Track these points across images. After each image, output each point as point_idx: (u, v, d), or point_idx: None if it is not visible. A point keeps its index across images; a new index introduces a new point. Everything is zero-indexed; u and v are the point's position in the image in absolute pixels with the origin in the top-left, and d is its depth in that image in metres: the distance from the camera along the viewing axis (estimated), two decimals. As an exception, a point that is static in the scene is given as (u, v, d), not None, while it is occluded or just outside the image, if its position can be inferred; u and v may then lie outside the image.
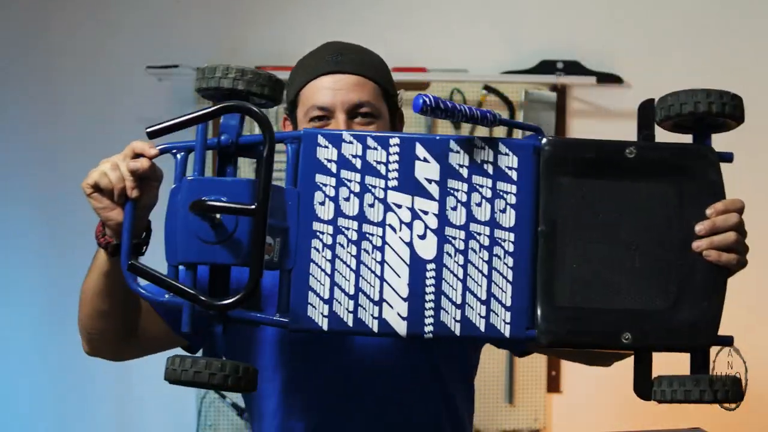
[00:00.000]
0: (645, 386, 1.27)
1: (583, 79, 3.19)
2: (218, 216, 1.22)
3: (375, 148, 1.31)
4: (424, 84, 3.09)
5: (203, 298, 1.20)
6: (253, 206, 1.18)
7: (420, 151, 1.31)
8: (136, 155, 1.34)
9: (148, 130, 1.25)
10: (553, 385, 3.23)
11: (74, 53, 3.20)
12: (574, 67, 3.20)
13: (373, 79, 1.58)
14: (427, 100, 1.27)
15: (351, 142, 1.31)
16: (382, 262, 1.27)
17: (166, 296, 1.27)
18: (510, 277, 1.27)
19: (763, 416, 2.96)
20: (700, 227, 1.29)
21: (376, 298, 1.26)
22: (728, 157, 1.39)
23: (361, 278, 1.27)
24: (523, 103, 3.20)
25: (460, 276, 1.27)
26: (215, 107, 1.26)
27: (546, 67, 3.19)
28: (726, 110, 1.36)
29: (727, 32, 3.27)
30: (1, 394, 3.16)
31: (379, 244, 1.28)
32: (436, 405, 1.61)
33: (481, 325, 1.25)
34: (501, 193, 1.30)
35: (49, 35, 3.20)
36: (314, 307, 1.26)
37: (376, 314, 1.26)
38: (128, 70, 3.16)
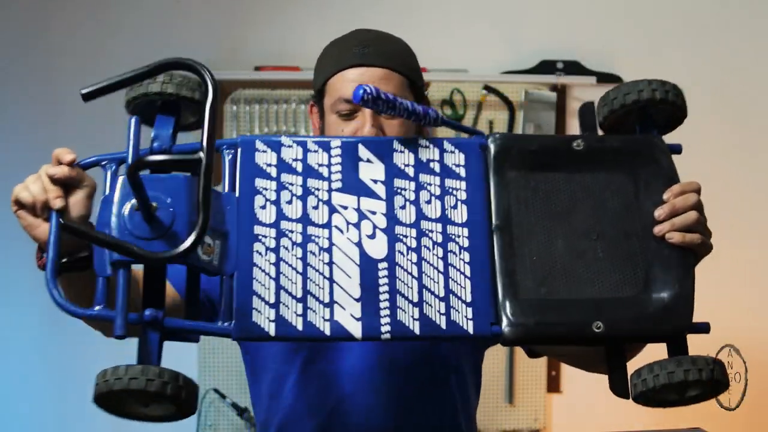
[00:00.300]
0: (622, 382, 1.22)
1: (583, 79, 3.19)
2: (154, 205, 1.14)
3: (316, 151, 1.28)
4: (425, 84, 3.09)
5: (139, 250, 1.09)
6: (198, 155, 1.10)
7: (363, 152, 1.29)
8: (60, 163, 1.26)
9: (83, 91, 1.17)
10: (553, 385, 3.23)
11: (74, 53, 3.20)
12: (574, 67, 3.20)
13: (400, 72, 1.58)
14: (367, 89, 1.27)
15: (291, 146, 1.28)
16: (330, 263, 1.22)
17: (96, 308, 1.16)
18: (468, 273, 1.23)
19: (763, 416, 2.96)
20: (659, 211, 1.27)
21: (326, 300, 1.20)
22: (677, 149, 1.37)
23: (308, 280, 1.20)
24: (523, 103, 3.20)
25: (415, 274, 1.22)
26: (153, 64, 1.21)
27: (546, 67, 3.19)
28: (669, 97, 1.32)
29: (727, 32, 3.27)
30: (1, 395, 3.16)
31: (326, 245, 1.22)
32: (454, 402, 1.62)
33: (442, 322, 1.20)
34: (450, 190, 1.27)
35: (49, 35, 3.20)
36: (259, 311, 1.18)
37: (327, 316, 1.19)
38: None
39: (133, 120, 1.25)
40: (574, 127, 3.25)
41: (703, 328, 1.25)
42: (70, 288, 1.25)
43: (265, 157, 1.27)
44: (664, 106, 1.33)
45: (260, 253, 1.21)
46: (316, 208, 1.25)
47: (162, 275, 1.21)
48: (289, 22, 3.22)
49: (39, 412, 3.14)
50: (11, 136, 3.21)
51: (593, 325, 1.19)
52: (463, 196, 1.27)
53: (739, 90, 3.29)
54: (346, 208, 1.25)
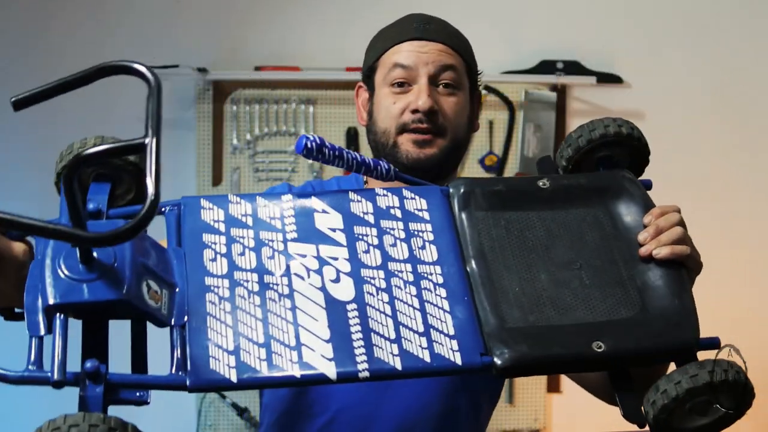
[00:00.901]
0: (633, 405, 1.12)
1: (583, 79, 3.19)
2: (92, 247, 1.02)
3: (266, 206, 1.21)
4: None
5: (74, 231, 0.96)
6: (144, 139, 0.99)
7: (317, 204, 1.22)
8: None
9: (13, 99, 1.05)
10: (553, 385, 3.23)
11: (74, 53, 3.20)
12: (574, 67, 3.20)
13: (459, 52, 1.56)
14: (308, 143, 1.23)
15: (238, 203, 1.20)
16: (294, 308, 1.11)
17: (29, 368, 1.02)
18: (446, 307, 1.13)
19: (763, 416, 2.96)
20: (644, 234, 1.22)
21: (293, 344, 1.07)
22: (647, 184, 1.32)
23: (270, 326, 1.08)
24: (523, 103, 3.20)
25: (388, 312, 1.12)
26: (89, 69, 1.07)
27: (546, 67, 3.20)
28: (635, 134, 1.33)
29: (727, 32, 3.28)
30: (1, 395, 3.16)
31: (287, 292, 1.12)
32: (464, 424, 1.57)
33: (426, 356, 1.08)
34: (415, 232, 1.20)
35: (49, 35, 3.20)
36: (217, 359, 1.05)
37: (294, 359, 1.06)
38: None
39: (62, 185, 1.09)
40: (574, 126, 3.23)
41: (713, 343, 1.16)
42: None
43: (211, 214, 1.19)
44: (629, 142, 1.32)
45: (214, 303, 1.10)
46: (271, 258, 1.15)
47: (105, 322, 1.07)
48: (289, 22, 3.22)
49: (39, 412, 3.13)
50: (11, 136, 3.21)
51: (593, 345, 1.11)
52: (430, 237, 1.20)
53: (739, 90, 3.29)
54: (304, 256, 1.16)
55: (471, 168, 3.20)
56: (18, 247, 1.15)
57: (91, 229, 1.04)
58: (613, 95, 3.24)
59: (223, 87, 3.16)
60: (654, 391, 1.10)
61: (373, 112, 1.58)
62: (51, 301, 1.01)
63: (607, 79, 3.21)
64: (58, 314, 1.01)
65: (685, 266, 1.23)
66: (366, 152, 3.29)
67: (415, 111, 1.51)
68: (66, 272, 1.02)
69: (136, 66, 1.09)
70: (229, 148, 3.18)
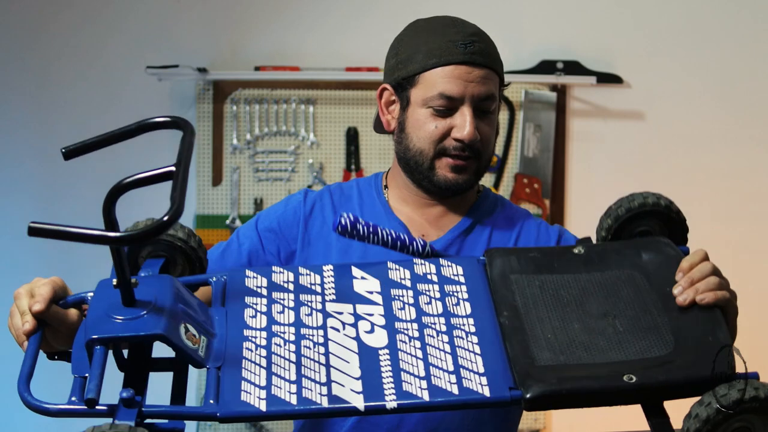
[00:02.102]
0: None
1: (583, 79, 3.19)
2: (134, 281, 1.13)
3: (308, 275, 1.28)
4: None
5: (107, 234, 1.05)
6: (172, 167, 1.10)
7: (356, 272, 1.29)
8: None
9: (64, 150, 1.18)
10: (553, 385, 3.23)
11: (74, 53, 3.20)
12: (574, 67, 3.20)
13: (496, 71, 1.56)
14: (342, 219, 1.30)
15: (281, 272, 1.28)
16: (327, 354, 1.16)
17: (72, 399, 1.09)
18: (477, 351, 1.17)
19: (763, 416, 2.96)
20: (678, 288, 1.24)
21: (323, 381, 1.12)
22: (685, 250, 1.34)
23: (303, 367, 1.14)
24: (523, 103, 3.20)
25: (419, 356, 1.16)
26: (134, 125, 1.19)
27: (546, 67, 3.19)
28: (673, 207, 1.38)
29: (727, 32, 3.27)
30: (1, 395, 3.16)
31: (321, 341, 1.17)
32: None
33: (454, 389, 1.11)
34: (450, 293, 1.25)
35: (49, 35, 3.20)
36: (249, 392, 1.11)
37: (324, 392, 1.11)
38: (128, 70, 3.16)
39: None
40: (574, 126, 3.25)
41: (753, 377, 1.12)
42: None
43: (254, 282, 1.26)
44: (668, 214, 1.37)
45: (250, 350, 1.16)
46: (309, 315, 1.21)
47: (146, 351, 1.17)
48: (289, 22, 3.22)
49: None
50: (12, 135, 3.21)
51: (624, 377, 1.10)
52: (465, 296, 1.25)
53: (739, 90, 3.29)
54: (341, 313, 1.22)
55: (471, 168, 3.20)
56: (72, 313, 1.26)
57: (142, 285, 1.14)
58: (613, 95, 3.24)
59: (223, 87, 3.16)
60: (687, 418, 1.09)
61: (407, 127, 1.57)
62: (92, 335, 1.09)
63: (607, 79, 3.21)
64: (97, 347, 1.09)
65: (721, 308, 1.24)
66: (366, 152, 3.30)
67: (457, 139, 1.52)
68: (109, 313, 1.12)
69: (175, 119, 1.19)
70: (229, 148, 3.18)
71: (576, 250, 1.31)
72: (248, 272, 1.28)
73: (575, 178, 3.26)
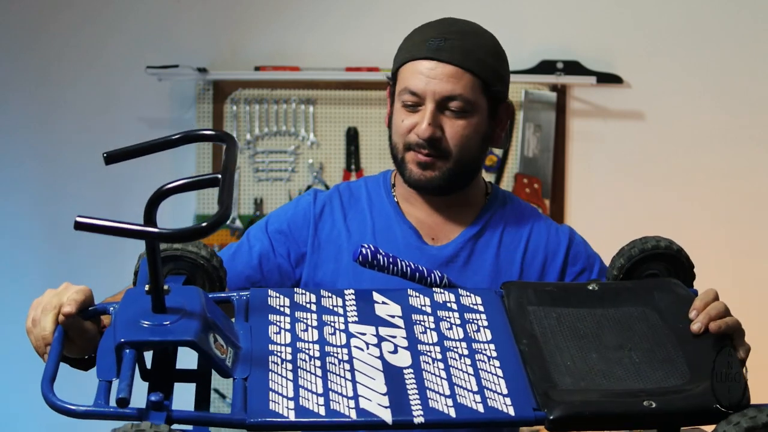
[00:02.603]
0: None
1: (583, 79, 3.19)
2: (167, 287, 1.13)
3: (329, 297, 1.30)
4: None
5: (146, 229, 1.04)
6: (218, 174, 1.10)
7: (377, 297, 1.31)
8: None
9: (105, 154, 1.20)
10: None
11: (74, 53, 3.20)
12: (574, 67, 3.20)
13: (472, 71, 1.53)
14: (363, 250, 1.34)
15: (303, 294, 1.30)
16: (352, 370, 1.17)
17: (98, 402, 1.09)
18: (500, 374, 1.19)
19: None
20: (696, 324, 1.27)
21: (350, 395, 1.13)
22: (694, 293, 1.38)
23: (329, 381, 1.15)
24: (523, 103, 3.20)
25: (443, 376, 1.17)
26: (178, 134, 1.19)
27: (546, 67, 3.19)
28: (683, 253, 1.45)
29: (727, 32, 3.27)
30: (1, 395, 3.16)
31: (346, 359, 1.18)
32: None
33: (479, 408, 1.13)
34: (470, 320, 1.28)
35: (50, 35, 3.20)
36: (276, 402, 1.11)
37: (352, 405, 1.11)
38: (128, 70, 3.16)
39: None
40: (574, 126, 3.25)
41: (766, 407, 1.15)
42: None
43: (277, 301, 1.28)
44: (679, 258, 1.42)
45: (276, 363, 1.16)
46: (333, 334, 1.22)
47: (172, 360, 1.18)
48: (289, 22, 3.22)
49: (39, 411, 3.13)
50: (12, 135, 3.21)
51: (644, 402, 1.14)
52: (485, 323, 1.27)
53: (739, 90, 3.29)
54: (364, 334, 1.23)
55: (471, 168, 3.20)
56: (91, 326, 1.28)
57: (171, 294, 1.14)
58: (613, 95, 3.24)
59: (223, 87, 3.16)
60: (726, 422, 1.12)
61: (391, 121, 1.60)
62: (122, 339, 1.09)
63: (607, 79, 3.21)
64: (126, 350, 1.09)
65: (732, 341, 1.27)
66: (366, 152, 3.29)
67: (417, 135, 1.53)
68: (138, 318, 1.11)
69: (218, 134, 1.19)
70: (229, 148, 3.17)
71: (590, 287, 1.35)
72: (271, 292, 1.29)
73: (575, 178, 3.26)
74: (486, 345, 1.23)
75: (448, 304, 1.30)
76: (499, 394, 1.15)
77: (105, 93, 3.21)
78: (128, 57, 3.18)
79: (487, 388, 1.16)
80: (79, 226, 1.03)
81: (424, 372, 1.17)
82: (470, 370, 1.19)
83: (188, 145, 3.17)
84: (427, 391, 1.14)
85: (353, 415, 1.10)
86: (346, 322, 1.25)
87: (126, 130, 3.19)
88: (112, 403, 1.06)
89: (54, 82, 3.20)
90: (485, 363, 1.20)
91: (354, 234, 1.61)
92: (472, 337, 1.24)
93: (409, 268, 1.37)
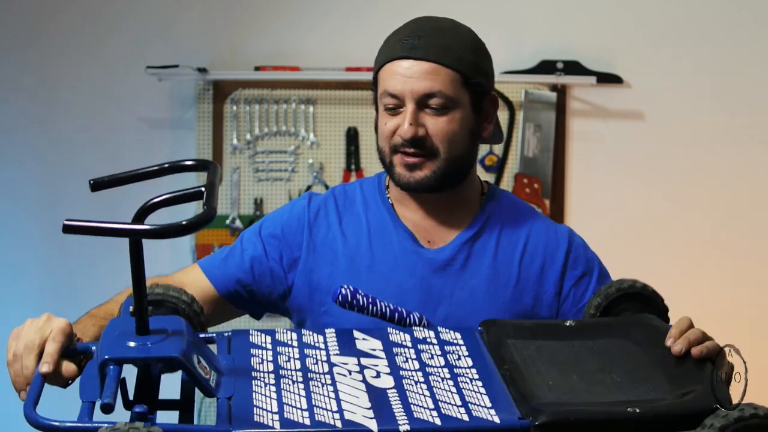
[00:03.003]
0: None
1: (583, 79, 3.19)
2: (150, 308, 1.16)
3: (310, 335, 1.33)
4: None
5: (133, 226, 1.07)
6: (201, 187, 1.13)
7: (358, 334, 1.33)
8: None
9: (92, 181, 1.21)
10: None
11: (74, 53, 3.20)
12: (574, 67, 3.20)
13: (450, 66, 1.52)
14: (343, 291, 1.38)
15: (285, 332, 1.33)
16: (336, 391, 1.19)
17: (75, 422, 1.10)
18: (483, 391, 1.21)
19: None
20: (677, 346, 1.28)
21: (335, 409, 1.15)
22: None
23: (313, 398, 1.16)
24: (523, 103, 3.20)
25: (427, 394, 1.20)
26: (162, 165, 1.22)
27: (546, 67, 3.19)
28: (659, 295, 1.48)
29: (727, 32, 3.27)
30: (1, 395, 3.16)
31: (329, 382, 1.20)
32: None
33: (464, 417, 1.15)
34: (451, 351, 1.31)
35: (50, 35, 3.20)
36: (262, 416, 1.12)
37: (337, 417, 1.13)
38: (128, 70, 3.16)
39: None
40: (574, 126, 3.25)
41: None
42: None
43: (259, 339, 1.30)
44: (655, 300, 1.46)
45: (259, 386, 1.18)
46: (315, 363, 1.25)
47: (155, 387, 1.19)
48: (289, 22, 3.22)
49: (39, 411, 3.13)
50: (12, 135, 3.21)
51: (628, 409, 1.16)
52: (465, 352, 1.30)
53: (739, 90, 3.29)
54: (346, 363, 1.25)
55: (471, 168, 3.20)
56: (72, 369, 1.26)
57: (155, 321, 1.16)
58: (613, 95, 3.23)
59: (223, 87, 3.16)
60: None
61: (377, 126, 1.59)
62: (105, 356, 1.11)
63: (607, 79, 3.21)
64: (110, 366, 1.11)
65: (712, 362, 1.28)
66: (366, 152, 3.29)
67: (400, 137, 1.53)
68: (122, 339, 1.14)
69: (201, 162, 1.24)
70: (229, 148, 3.18)
71: (567, 324, 1.39)
72: (252, 331, 1.32)
73: (575, 178, 3.26)
74: (467, 370, 1.26)
75: (428, 339, 1.33)
76: (483, 406, 1.17)
77: (105, 93, 3.21)
78: (128, 57, 3.18)
79: (471, 402, 1.18)
80: (67, 229, 1.06)
81: (407, 391, 1.19)
82: (453, 389, 1.21)
83: (188, 144, 3.17)
84: (412, 405, 1.16)
85: (339, 425, 1.11)
86: (327, 355, 1.27)
87: (126, 130, 3.19)
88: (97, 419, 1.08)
89: (54, 82, 3.20)
90: (468, 383, 1.22)
91: (350, 238, 1.61)
92: (454, 364, 1.27)
93: (388, 309, 1.40)
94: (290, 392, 1.17)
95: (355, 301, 1.39)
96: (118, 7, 3.21)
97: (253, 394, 1.15)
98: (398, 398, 1.17)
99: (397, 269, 1.58)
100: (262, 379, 1.19)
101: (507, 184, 3.22)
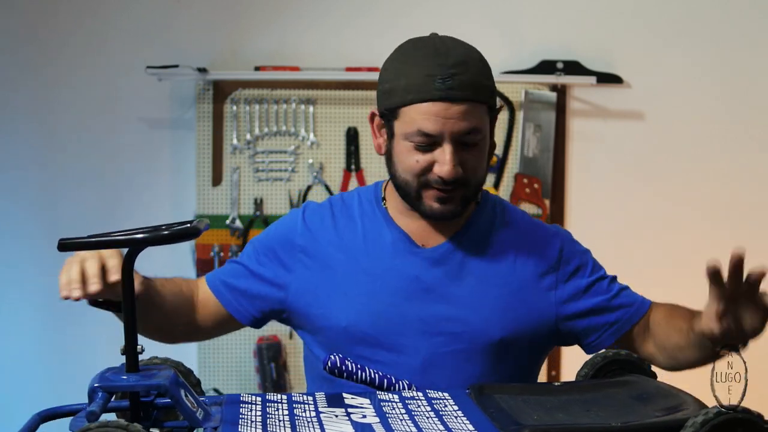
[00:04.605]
0: None
1: (583, 79, 3.19)
2: (141, 345, 1.21)
3: (300, 395, 1.38)
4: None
5: (131, 236, 1.16)
6: (188, 224, 1.19)
7: (347, 395, 1.38)
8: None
9: (61, 240, 1.25)
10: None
11: (74, 53, 3.20)
12: (574, 67, 3.20)
13: (483, 101, 1.53)
14: (332, 357, 1.43)
15: (274, 395, 1.38)
16: (322, 427, 1.24)
17: None
18: (466, 421, 1.27)
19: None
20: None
21: None
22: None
23: (298, 429, 1.23)
24: (523, 103, 3.21)
25: (411, 424, 1.26)
26: (131, 231, 1.21)
27: (546, 67, 3.19)
28: (646, 363, 1.55)
29: (727, 32, 3.27)
30: (1, 395, 3.16)
31: (316, 422, 1.26)
32: None
33: None
34: (438, 401, 1.36)
35: (50, 35, 3.20)
36: (247, 426, 1.22)
37: (319, 430, 1.22)
38: (128, 70, 3.16)
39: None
40: (574, 126, 3.25)
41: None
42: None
43: (249, 398, 1.35)
44: (640, 366, 1.52)
45: (244, 418, 1.24)
46: (303, 411, 1.30)
47: (144, 405, 1.23)
48: (289, 22, 3.22)
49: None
50: (12, 135, 3.21)
51: (612, 423, 1.22)
52: (452, 402, 1.35)
53: (739, 90, 3.29)
54: (334, 412, 1.30)
55: (471, 168, 3.20)
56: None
57: (145, 370, 1.22)
58: (613, 95, 3.24)
59: (223, 87, 3.16)
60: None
61: (393, 156, 1.58)
62: (95, 384, 1.17)
63: (607, 79, 3.21)
64: (99, 393, 1.16)
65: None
66: (366, 152, 3.29)
67: (439, 176, 1.52)
68: (112, 375, 1.20)
69: (177, 231, 1.23)
70: (229, 148, 3.18)
71: (556, 384, 1.46)
72: (243, 393, 1.37)
73: (575, 178, 3.27)
74: (453, 411, 1.31)
75: (416, 397, 1.38)
76: (465, 429, 1.24)
77: (105, 93, 3.21)
78: (128, 57, 3.18)
79: (455, 428, 1.24)
80: (63, 248, 1.17)
81: (391, 423, 1.25)
82: (436, 420, 1.27)
83: (188, 144, 3.17)
84: (395, 430, 1.22)
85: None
86: (316, 408, 1.31)
87: (126, 130, 3.19)
88: None
89: (53, 82, 3.20)
90: (453, 419, 1.28)
91: (345, 241, 1.63)
92: (440, 409, 1.32)
93: (377, 375, 1.43)
94: (276, 420, 1.24)
95: (344, 367, 1.43)
96: (118, 7, 3.21)
97: (240, 422, 1.21)
98: (383, 428, 1.22)
99: (393, 269, 1.60)
100: (248, 416, 1.25)
101: (507, 184, 3.22)
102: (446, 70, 1.50)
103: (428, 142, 1.51)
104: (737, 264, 1.34)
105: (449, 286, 1.60)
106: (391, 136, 1.57)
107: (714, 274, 1.34)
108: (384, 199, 1.66)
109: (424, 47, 1.55)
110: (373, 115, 1.61)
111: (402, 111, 1.53)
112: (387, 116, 1.56)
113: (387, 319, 1.58)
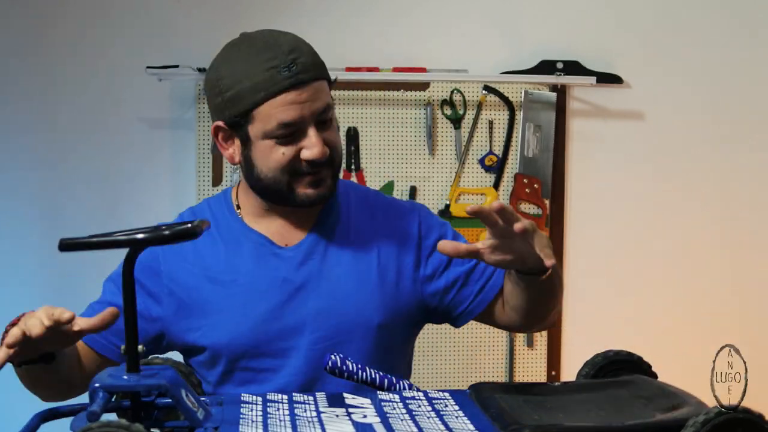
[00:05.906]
0: None
1: (583, 79, 3.19)
2: (141, 347, 1.21)
3: (301, 395, 1.39)
4: (424, 84, 3.09)
5: (131, 237, 1.16)
6: (189, 224, 1.18)
7: (347, 395, 1.39)
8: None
9: (62, 240, 1.23)
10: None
11: (74, 53, 3.20)
12: (574, 67, 3.20)
13: (325, 77, 1.58)
14: (333, 356, 1.43)
15: (275, 395, 1.39)
16: (323, 427, 1.25)
17: None
18: (467, 421, 1.28)
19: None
20: (519, 224, 1.37)
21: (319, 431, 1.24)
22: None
23: (299, 429, 1.23)
24: (523, 103, 3.21)
25: (412, 424, 1.27)
26: (133, 238, 1.20)
27: (546, 67, 3.19)
28: (646, 363, 1.53)
29: (728, 33, 3.28)
30: (1, 395, 3.16)
31: (316, 421, 1.26)
32: None
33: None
34: (439, 401, 1.37)
35: (50, 35, 3.20)
36: (248, 426, 1.23)
37: (319, 430, 1.23)
38: (128, 70, 3.16)
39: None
40: (574, 126, 3.25)
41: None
42: (25, 376, 1.43)
43: (250, 398, 1.36)
44: (640, 366, 1.50)
45: (247, 422, 1.24)
46: (304, 411, 1.30)
47: (145, 405, 1.23)
48: (288, 22, 3.21)
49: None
50: (12, 135, 3.21)
51: (614, 422, 1.24)
52: (453, 403, 1.36)
53: (739, 90, 3.29)
54: (334, 412, 1.31)
55: (471, 168, 3.19)
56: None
57: (146, 369, 1.22)
58: (613, 95, 3.24)
59: (223, 87, 3.16)
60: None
61: (254, 160, 1.58)
62: (96, 384, 1.16)
63: (607, 79, 3.21)
64: (100, 393, 1.16)
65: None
66: (366, 152, 3.28)
67: (309, 160, 1.54)
68: (112, 375, 1.20)
69: (177, 232, 1.23)
70: (229, 148, 3.18)
71: (555, 384, 1.47)
72: (242, 393, 1.39)
73: (575, 178, 3.27)
74: (454, 411, 1.32)
75: (417, 397, 1.40)
76: (467, 430, 1.25)
77: (105, 93, 3.21)
78: (128, 57, 3.18)
79: (455, 428, 1.25)
80: (64, 248, 1.17)
81: (392, 422, 1.26)
82: (437, 420, 1.28)
83: (188, 145, 3.17)
84: (396, 430, 1.23)
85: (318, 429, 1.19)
86: (317, 408, 1.33)
87: (126, 130, 3.19)
88: None
89: (53, 82, 3.20)
90: (453, 420, 1.29)
91: (206, 258, 1.62)
92: (440, 409, 1.33)
93: (378, 375, 1.44)
94: (277, 419, 1.25)
95: (344, 367, 1.44)
96: (118, 8, 3.21)
97: (240, 422, 1.22)
98: (384, 428, 1.24)
99: (259, 275, 1.61)
100: (248, 416, 1.26)
101: (507, 184, 3.22)
102: (285, 58, 1.52)
103: (290, 132, 1.53)
104: (497, 212, 1.38)
105: (319, 281, 1.61)
106: (245, 141, 1.57)
107: (475, 214, 1.38)
108: (238, 207, 1.66)
109: (250, 45, 1.56)
110: (216, 129, 1.61)
111: (255, 112, 1.54)
112: (237, 123, 1.56)
113: (265, 327, 1.59)
